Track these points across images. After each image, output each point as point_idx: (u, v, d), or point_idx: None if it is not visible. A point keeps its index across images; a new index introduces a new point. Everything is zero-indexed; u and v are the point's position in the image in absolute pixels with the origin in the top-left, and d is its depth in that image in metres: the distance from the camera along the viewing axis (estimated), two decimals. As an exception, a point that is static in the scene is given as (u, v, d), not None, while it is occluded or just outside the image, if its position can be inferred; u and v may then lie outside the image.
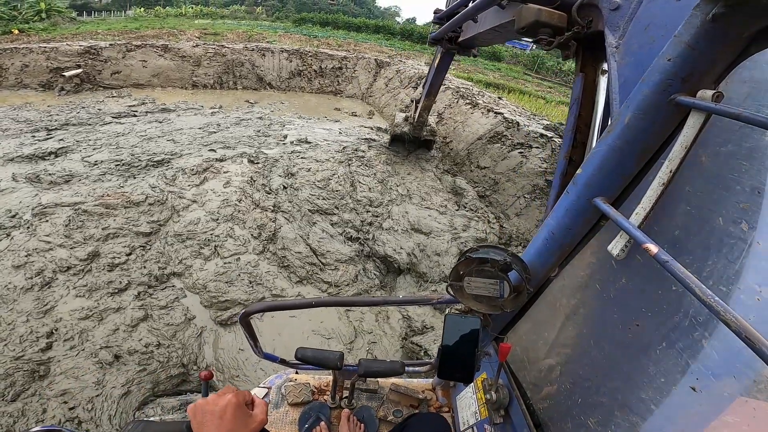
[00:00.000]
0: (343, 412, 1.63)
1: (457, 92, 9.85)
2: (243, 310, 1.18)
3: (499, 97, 10.52)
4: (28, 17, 15.63)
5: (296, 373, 1.84)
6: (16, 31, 13.28)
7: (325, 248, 4.60)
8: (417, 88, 11.42)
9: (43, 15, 16.45)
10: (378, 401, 1.75)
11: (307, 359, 1.26)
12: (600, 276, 0.97)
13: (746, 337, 0.50)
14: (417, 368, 1.51)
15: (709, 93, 0.65)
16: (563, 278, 1.12)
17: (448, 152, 8.17)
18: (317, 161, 6.83)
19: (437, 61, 5.63)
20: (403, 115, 7.67)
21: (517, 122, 7.40)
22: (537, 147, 6.58)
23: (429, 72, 6.20)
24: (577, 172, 0.92)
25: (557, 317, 1.13)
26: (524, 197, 5.92)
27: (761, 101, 0.62)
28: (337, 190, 5.87)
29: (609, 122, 0.87)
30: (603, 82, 1.19)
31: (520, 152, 6.63)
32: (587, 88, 1.22)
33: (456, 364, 1.05)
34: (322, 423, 1.56)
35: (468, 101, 9.08)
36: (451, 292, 1.03)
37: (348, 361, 1.36)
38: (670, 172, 0.72)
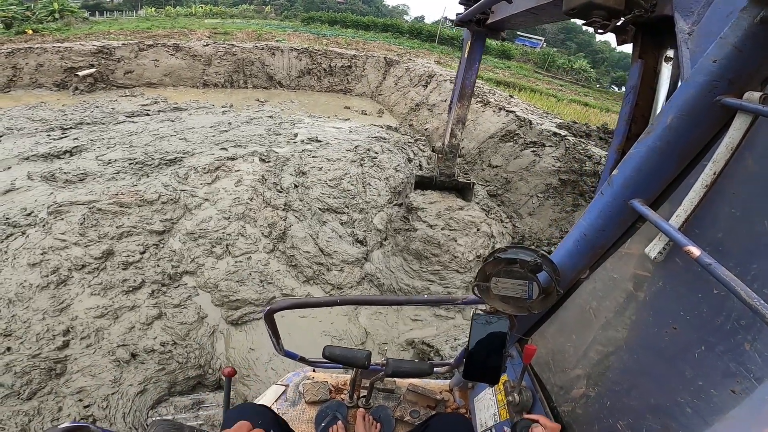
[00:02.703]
0: (359, 411, 1.61)
1: (468, 90, 9.75)
2: (268, 307, 1.18)
3: (511, 95, 10.42)
4: (42, 17, 15.84)
5: (314, 371, 1.83)
6: (30, 32, 13.49)
7: (332, 248, 4.60)
8: (427, 86, 11.37)
9: (57, 15, 16.66)
10: (395, 401, 1.73)
11: (335, 357, 1.25)
12: (635, 279, 0.95)
13: None
14: (439, 369, 1.50)
15: (757, 95, 0.65)
16: (594, 280, 1.10)
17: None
18: (329, 160, 6.81)
19: (467, 51, 4.93)
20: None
21: (530, 120, 7.31)
22: (550, 146, 6.49)
23: (459, 68, 5.28)
24: (613, 173, 0.91)
25: (587, 320, 1.11)
26: (537, 196, 5.84)
27: None
28: (348, 190, 5.85)
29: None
30: (666, 70, 1.14)
31: (533, 151, 6.54)
32: (646, 76, 1.17)
33: (482, 365, 1.04)
34: (339, 422, 1.55)
35: (479, 99, 8.99)
36: (477, 293, 1.01)
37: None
38: (714, 174, 0.71)
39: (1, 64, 9.78)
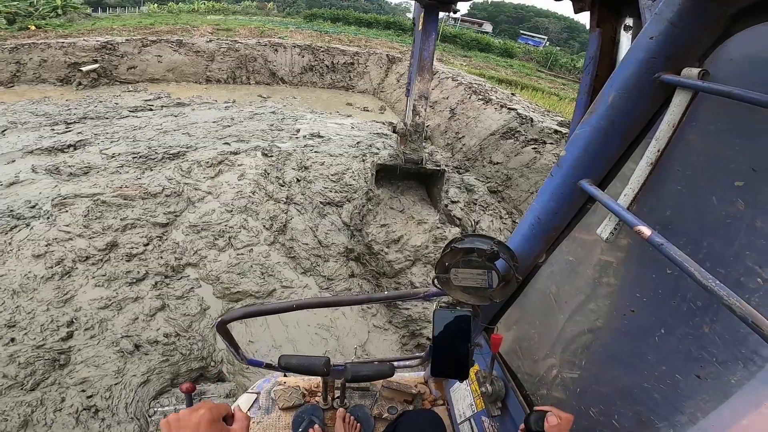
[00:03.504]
0: (338, 411, 1.58)
1: (470, 88, 9.77)
2: (219, 319, 1.11)
3: (513, 94, 10.41)
4: (45, 13, 15.83)
5: (284, 375, 1.78)
6: (33, 27, 13.49)
7: (331, 240, 4.64)
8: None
9: (59, 11, 16.67)
10: (371, 399, 1.70)
11: (291, 367, 1.18)
12: (590, 261, 0.94)
13: (753, 323, 0.48)
14: (407, 363, 1.46)
15: (695, 71, 0.64)
16: (551, 264, 1.08)
17: (460, 148, 8.11)
18: (331, 155, 6.83)
19: (420, 25, 4.49)
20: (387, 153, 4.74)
21: (531, 118, 7.32)
22: (551, 143, 6.49)
23: (414, 41, 4.73)
24: (561, 154, 0.90)
25: (548, 305, 1.10)
26: (537, 194, 5.85)
27: (749, 79, 0.60)
28: (350, 185, 5.87)
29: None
30: (625, 39, 1.10)
31: (534, 148, 6.55)
32: (605, 46, 1.13)
33: (449, 360, 1.01)
34: (316, 426, 1.52)
35: (481, 97, 9.00)
36: (438, 285, 0.99)
37: (336, 359, 1.29)
38: (658, 151, 0.70)
39: (5, 60, 9.79)
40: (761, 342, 0.48)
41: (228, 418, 0.81)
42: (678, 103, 0.66)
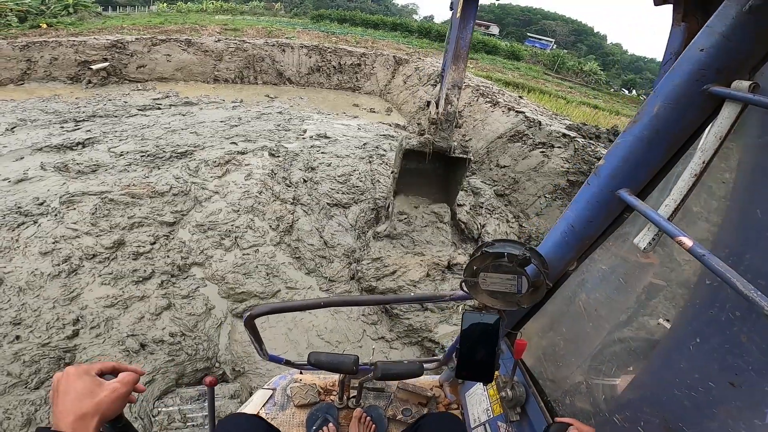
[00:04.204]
0: (355, 411, 1.59)
1: (477, 90, 9.74)
2: (248, 313, 1.12)
3: (520, 97, 10.37)
4: (56, 11, 16.02)
5: (300, 373, 1.80)
6: (45, 25, 13.64)
7: (336, 241, 4.63)
8: (436, 85, 11.34)
9: (71, 9, 16.87)
10: (386, 400, 1.71)
11: (321, 364, 1.20)
12: (624, 270, 0.94)
13: None
14: (428, 365, 1.48)
15: (745, 84, 0.64)
16: (582, 272, 1.08)
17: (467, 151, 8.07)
18: (337, 156, 6.84)
19: (459, 9, 4.22)
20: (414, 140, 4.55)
21: (539, 121, 7.27)
22: (559, 147, 6.45)
23: (450, 28, 4.52)
24: (599, 163, 0.90)
25: (576, 312, 1.10)
26: (545, 197, 5.81)
27: None
28: (357, 186, 5.87)
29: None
30: None
31: (542, 152, 6.51)
32: (689, 42, 1.10)
33: (475, 363, 1.01)
34: (330, 424, 1.53)
35: (488, 99, 8.96)
36: (466, 289, 0.99)
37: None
38: (703, 163, 0.70)
39: (15, 57, 9.90)
40: None
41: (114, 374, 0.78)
42: (727, 115, 0.66)
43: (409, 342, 3.53)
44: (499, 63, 21.42)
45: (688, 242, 0.65)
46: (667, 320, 0.80)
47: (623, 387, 0.91)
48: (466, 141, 8.32)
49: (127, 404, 2.42)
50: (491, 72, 16.47)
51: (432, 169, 4.78)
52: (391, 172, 5.05)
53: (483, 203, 6.00)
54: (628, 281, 0.93)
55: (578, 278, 1.10)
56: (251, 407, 1.59)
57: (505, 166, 6.92)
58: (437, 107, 4.56)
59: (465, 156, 4.53)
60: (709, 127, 0.70)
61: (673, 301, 0.79)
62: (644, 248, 0.79)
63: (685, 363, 0.75)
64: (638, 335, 0.89)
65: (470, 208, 5.63)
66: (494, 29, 48.22)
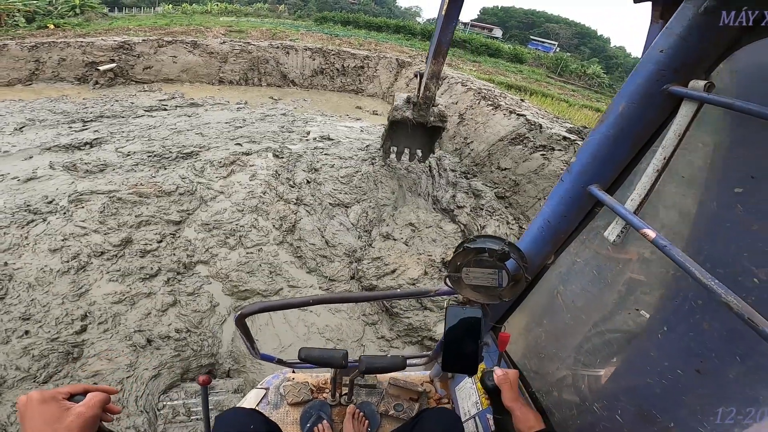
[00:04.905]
0: (348, 408, 1.61)
1: (479, 93, 9.79)
2: (238, 312, 1.13)
3: (522, 100, 10.41)
4: (63, 12, 16.16)
5: (293, 372, 1.82)
6: (52, 26, 13.77)
7: (338, 240, 4.69)
8: (438, 88, 11.41)
9: (77, 10, 17.03)
10: (378, 396, 1.74)
11: (311, 359, 1.23)
12: (597, 262, 0.97)
13: (748, 319, 0.51)
14: (415, 362, 1.49)
15: (701, 83, 0.67)
16: (559, 265, 1.11)
17: (469, 153, 8.14)
18: (340, 158, 6.91)
19: (444, 8, 4.66)
20: (405, 95, 6.08)
21: (540, 124, 7.32)
22: (560, 149, 6.50)
23: (436, 25, 5.07)
24: (572, 160, 0.94)
25: (555, 305, 1.13)
26: (545, 199, 5.86)
27: (751, 90, 0.63)
28: (360, 187, 5.94)
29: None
30: None
31: (542, 154, 6.56)
32: None
33: (460, 356, 1.04)
34: (324, 421, 1.55)
35: (490, 102, 9.02)
36: (449, 284, 1.02)
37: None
38: (664, 159, 0.73)
39: (24, 58, 10.01)
40: (757, 338, 0.50)
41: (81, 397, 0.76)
42: (684, 113, 0.69)
43: (409, 341, 3.59)
44: (502, 66, 21.46)
45: (651, 234, 0.68)
46: (640, 310, 0.83)
47: (600, 377, 0.94)
48: (468, 143, 8.38)
49: (135, 398, 2.41)
50: (494, 75, 16.53)
51: (415, 133, 6.19)
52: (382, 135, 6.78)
53: (483, 205, 6.06)
54: (601, 273, 0.96)
55: (556, 271, 1.13)
56: (245, 405, 1.62)
57: (506, 169, 6.97)
58: (419, 92, 5.69)
59: (441, 125, 5.92)
60: (670, 124, 0.73)
61: (644, 292, 0.82)
62: (613, 240, 0.83)
63: (655, 352, 0.77)
64: (613, 326, 0.91)
65: (471, 210, 5.69)
66: (497, 32, 48.26)
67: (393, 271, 4.19)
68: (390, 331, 3.64)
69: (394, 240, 4.71)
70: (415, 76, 5.95)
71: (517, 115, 7.89)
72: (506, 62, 23.71)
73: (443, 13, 4.71)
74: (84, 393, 0.75)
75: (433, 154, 6.94)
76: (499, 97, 9.59)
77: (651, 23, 1.17)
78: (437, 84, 5.41)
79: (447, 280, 1.02)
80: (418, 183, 6.56)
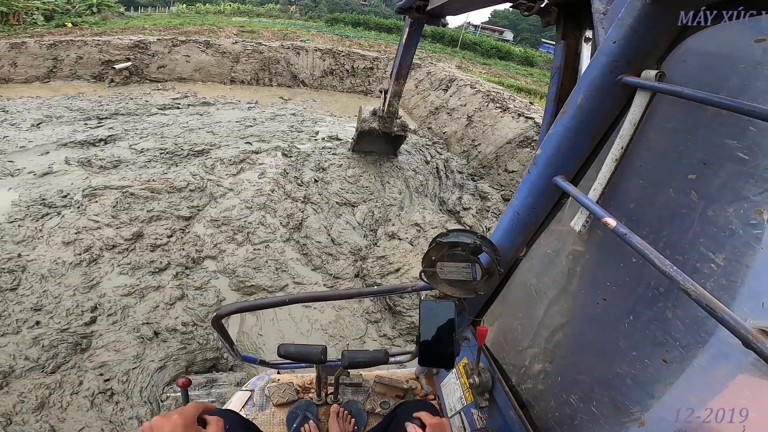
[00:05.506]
0: (332, 407, 1.60)
1: (488, 96, 9.79)
2: (214, 313, 1.11)
3: (531, 102, 10.37)
4: (81, 11, 16.49)
5: (278, 372, 1.81)
6: (70, 24, 14.06)
7: (343, 239, 4.73)
8: (447, 90, 11.44)
9: (95, 9, 17.36)
10: (364, 395, 1.74)
11: (290, 355, 1.21)
12: (565, 253, 0.97)
13: (706, 305, 0.51)
14: (399, 358, 1.49)
15: (653, 73, 0.68)
16: (531, 258, 1.12)
17: (476, 155, 8.14)
18: (348, 158, 6.97)
19: (405, 37, 5.26)
20: (370, 108, 6.81)
21: (549, 127, 7.30)
22: (568, 153, 6.48)
23: (398, 51, 5.75)
24: (537, 152, 0.94)
25: (529, 297, 1.12)
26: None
27: (701, 78, 0.64)
28: (366, 187, 5.99)
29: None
30: (586, 50, 1.16)
31: (551, 158, 6.54)
32: (569, 57, 1.19)
33: (436, 350, 1.05)
34: (311, 421, 1.55)
35: (498, 105, 9.01)
36: (425, 279, 1.02)
37: (330, 356, 1.32)
38: (622, 148, 0.74)
39: (43, 56, 10.24)
40: (717, 324, 0.50)
41: (201, 419, 0.81)
42: (638, 103, 0.71)
43: (411, 339, 3.61)
44: (513, 69, 21.35)
45: (612, 222, 0.68)
46: (604, 299, 0.83)
47: (573, 368, 0.95)
48: (476, 145, 8.38)
49: (139, 389, 2.44)
50: (504, 78, 16.48)
51: (380, 140, 6.98)
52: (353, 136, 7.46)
53: (489, 207, 6.06)
54: (569, 264, 0.96)
55: (528, 263, 1.13)
56: (230, 407, 1.60)
57: (513, 171, 6.96)
58: (383, 107, 6.55)
59: (402, 134, 6.84)
60: (625, 114, 0.74)
61: (609, 281, 0.82)
62: (579, 230, 0.84)
63: (622, 341, 0.77)
64: (582, 316, 0.92)
65: (476, 212, 5.70)
66: (508, 35, 48.03)
67: (397, 270, 4.23)
68: (392, 329, 3.67)
69: (400, 240, 4.74)
70: (380, 92, 6.70)
71: (526, 117, 7.88)
72: (517, 65, 23.58)
73: (403, 41, 5.37)
74: (207, 411, 0.83)
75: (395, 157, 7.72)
76: (508, 100, 9.57)
77: (556, 43, 1.25)
78: (398, 101, 6.36)
79: (422, 275, 1.02)
80: (425, 184, 6.58)
